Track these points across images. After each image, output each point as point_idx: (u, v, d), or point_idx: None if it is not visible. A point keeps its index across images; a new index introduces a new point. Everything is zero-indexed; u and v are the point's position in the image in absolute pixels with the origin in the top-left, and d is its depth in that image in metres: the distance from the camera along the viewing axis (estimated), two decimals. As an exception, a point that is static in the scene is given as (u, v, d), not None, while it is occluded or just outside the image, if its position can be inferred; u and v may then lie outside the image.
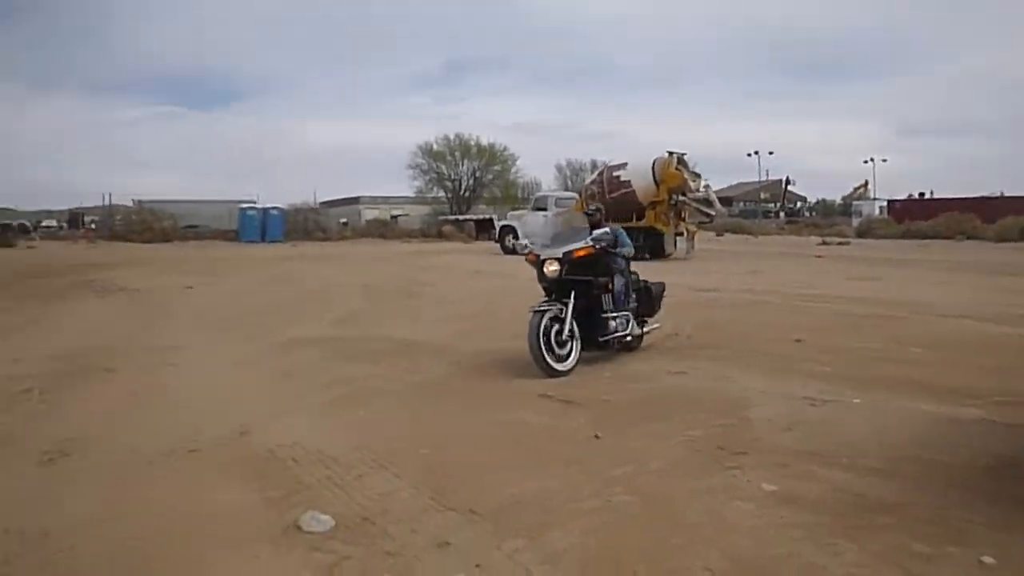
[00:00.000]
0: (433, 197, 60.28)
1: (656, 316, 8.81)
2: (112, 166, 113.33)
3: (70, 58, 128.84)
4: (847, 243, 35.67)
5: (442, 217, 53.38)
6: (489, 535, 3.60)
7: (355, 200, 65.21)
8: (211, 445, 5.09)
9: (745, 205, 77.34)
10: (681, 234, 25.42)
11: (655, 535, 3.58)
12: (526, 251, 7.89)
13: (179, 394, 6.70)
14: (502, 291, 15.30)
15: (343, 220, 54.30)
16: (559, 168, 67.12)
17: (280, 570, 3.29)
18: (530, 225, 28.10)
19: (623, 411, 5.92)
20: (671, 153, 24.79)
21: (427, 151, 59.33)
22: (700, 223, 26.84)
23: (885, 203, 57.45)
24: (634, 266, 8.43)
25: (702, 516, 3.80)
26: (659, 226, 24.52)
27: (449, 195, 59.88)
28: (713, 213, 26.66)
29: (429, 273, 20.14)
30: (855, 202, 64.77)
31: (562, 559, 3.33)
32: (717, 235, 41.79)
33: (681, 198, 24.69)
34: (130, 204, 54.75)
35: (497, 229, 30.79)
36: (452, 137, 59.78)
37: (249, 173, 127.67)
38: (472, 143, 59.82)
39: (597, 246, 7.62)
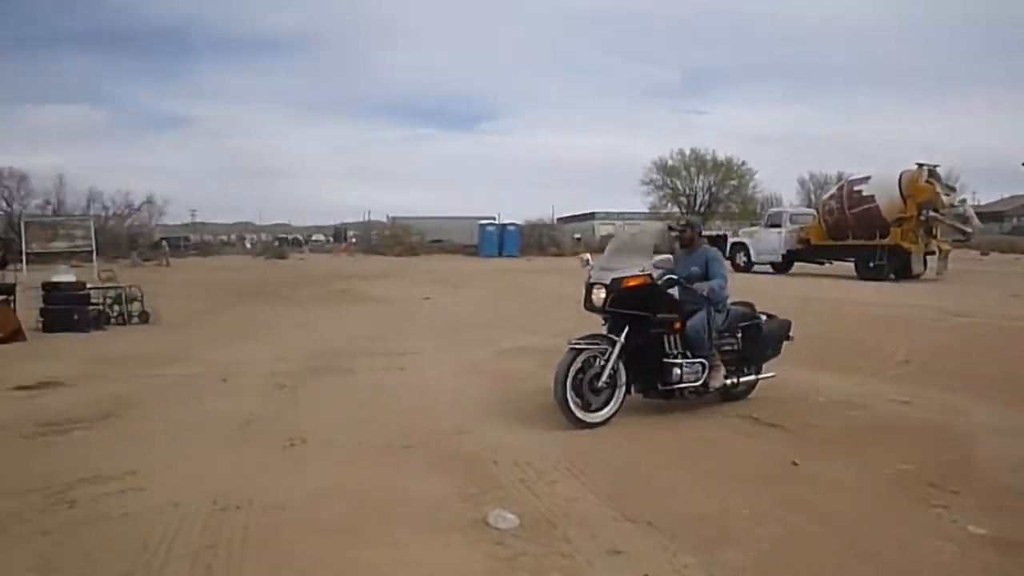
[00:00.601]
0: (667, 213, 59.83)
1: (770, 362, 7.08)
2: (372, 184, 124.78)
3: (338, 87, 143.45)
4: None
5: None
6: (663, 548, 3.68)
7: (590, 216, 66.40)
8: (425, 442, 5.58)
9: (1019, 221, 68.90)
10: (932, 253, 23.31)
11: (836, 565, 3.49)
12: (588, 266, 6.54)
13: (404, 395, 7.35)
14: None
15: (577, 236, 55.48)
16: (801, 182, 64.21)
17: (465, 558, 3.60)
18: (762, 242, 27.17)
19: (831, 438, 5.69)
20: (921, 165, 22.81)
21: (661, 166, 59.21)
22: (955, 241, 24.39)
23: None
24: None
25: (892, 551, 3.63)
26: (906, 244, 22.59)
27: (683, 211, 59.11)
28: (970, 231, 24.10)
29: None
30: None
31: (731, 578, 3.36)
32: (981, 255, 37.78)
33: (932, 214, 22.63)
34: (385, 220, 59.62)
35: (728, 246, 29.98)
36: (687, 152, 59.18)
37: (492, 189, 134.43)
38: (708, 157, 58.82)
39: (659, 278, 6.33)
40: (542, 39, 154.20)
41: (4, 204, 49.53)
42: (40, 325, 12.16)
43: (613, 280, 6.10)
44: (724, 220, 56.26)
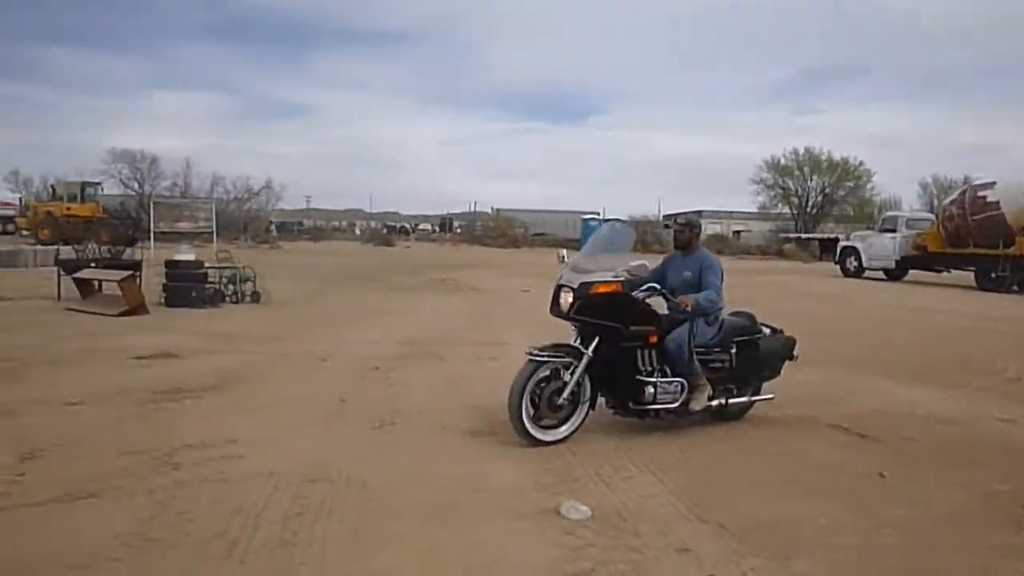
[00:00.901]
0: (777, 213, 58.21)
1: (771, 384, 6.35)
2: (479, 176, 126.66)
3: (450, 79, 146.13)
4: None
5: (783, 235, 51.37)
6: (732, 551, 3.68)
7: (697, 214, 65.26)
8: (508, 431, 5.65)
9: None
10: (1061, 266, 21.83)
11: (909, 582, 3.42)
12: (563, 264, 5.95)
13: (493, 384, 7.46)
14: (829, 315, 14.63)
15: (682, 233, 54.71)
16: (923, 186, 61.26)
17: (533, 545, 3.71)
18: (875, 248, 26.04)
19: (923, 452, 5.50)
20: (1054, 171, 21.41)
21: (773, 166, 57.57)
22: (1089, 255, 22.73)
23: None
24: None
25: (970, 574, 3.52)
26: (1032, 256, 21.27)
27: (795, 212, 57.40)
28: (1107, 244, 22.44)
29: (754, 291, 19.68)
30: None
31: (798, 586, 3.33)
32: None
33: (1064, 224, 21.22)
34: (489, 211, 60.44)
35: (838, 250, 28.91)
36: (801, 151, 57.30)
37: (598, 184, 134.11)
38: (823, 158, 56.75)
39: (638, 286, 5.72)
40: (653, 35, 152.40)
41: (136, 185, 52.80)
42: (162, 300, 12.99)
43: (581, 285, 5.46)
44: (838, 223, 54.32)
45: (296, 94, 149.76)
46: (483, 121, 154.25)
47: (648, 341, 5.62)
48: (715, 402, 5.89)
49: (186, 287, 13.13)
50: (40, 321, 10.88)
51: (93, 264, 14.11)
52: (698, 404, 5.75)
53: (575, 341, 5.52)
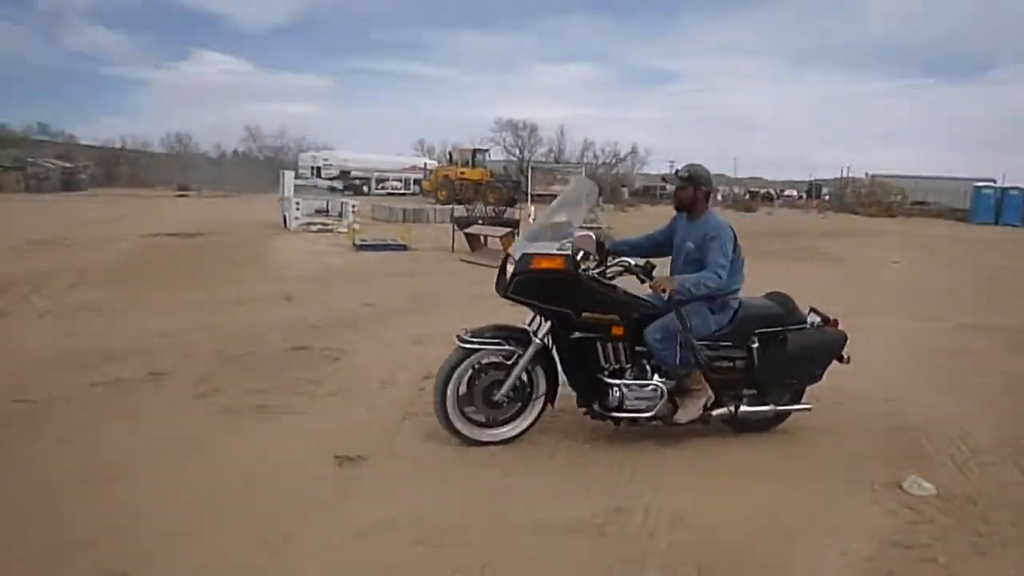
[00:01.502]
0: None
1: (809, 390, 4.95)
2: (851, 140, 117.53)
3: (824, 35, 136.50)
4: None
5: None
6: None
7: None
8: (854, 403, 5.59)
9: None
10: None
11: None
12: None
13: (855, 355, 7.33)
14: None
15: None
16: None
17: (868, 513, 3.78)
18: None
19: None
20: None
21: None
22: None
23: None
24: None
25: None
26: None
27: None
28: None
29: None
30: None
31: None
32: None
33: None
34: (863, 177, 56.16)
35: None
36: None
37: (995, 148, 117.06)
38: None
39: (590, 263, 4.49)
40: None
41: (517, 151, 57.71)
42: (535, 255, 14.46)
43: (523, 256, 4.38)
44: None
45: (665, 62, 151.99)
46: (862, 80, 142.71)
47: (611, 333, 4.44)
48: (716, 412, 4.64)
49: (556, 245, 14.44)
50: (441, 269, 12.87)
51: (480, 221, 16.08)
52: (687, 415, 4.54)
53: (529, 322, 4.61)
